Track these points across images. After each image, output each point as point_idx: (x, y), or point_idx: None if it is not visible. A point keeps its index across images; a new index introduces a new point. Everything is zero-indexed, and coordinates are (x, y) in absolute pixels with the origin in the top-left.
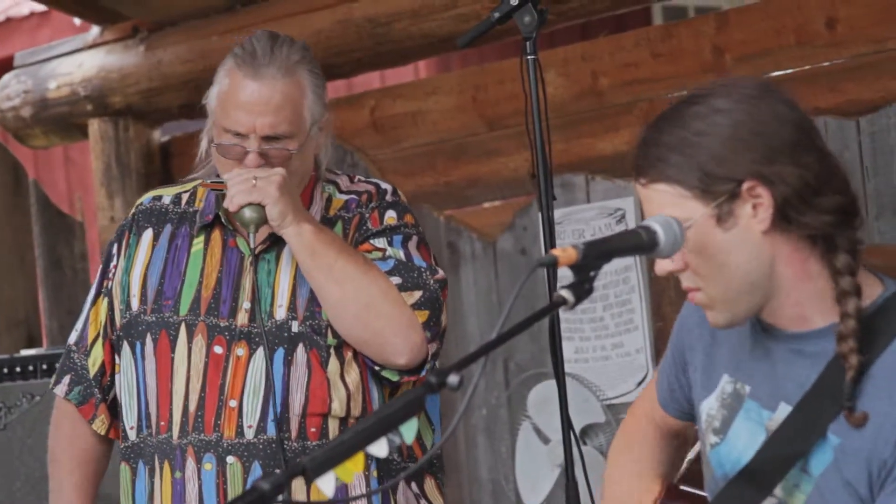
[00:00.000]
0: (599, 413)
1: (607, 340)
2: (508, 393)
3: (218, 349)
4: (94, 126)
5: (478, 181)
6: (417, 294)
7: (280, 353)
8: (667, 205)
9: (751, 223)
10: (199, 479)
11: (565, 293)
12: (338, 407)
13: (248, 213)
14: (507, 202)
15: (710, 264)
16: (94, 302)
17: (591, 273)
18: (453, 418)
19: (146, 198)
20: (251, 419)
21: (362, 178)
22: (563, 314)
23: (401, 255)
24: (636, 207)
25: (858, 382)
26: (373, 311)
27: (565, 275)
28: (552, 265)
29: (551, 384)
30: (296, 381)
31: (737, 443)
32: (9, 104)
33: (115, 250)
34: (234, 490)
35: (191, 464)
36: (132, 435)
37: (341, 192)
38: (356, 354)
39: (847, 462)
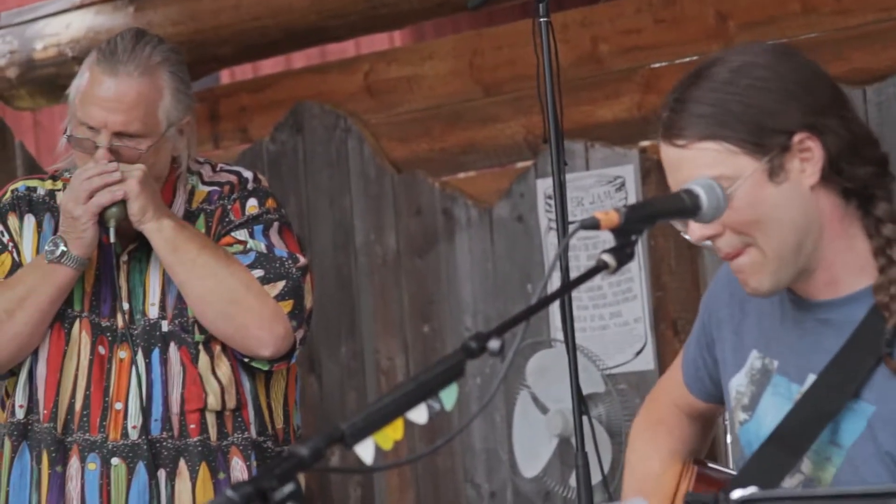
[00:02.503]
0: (599, 383)
1: (605, 310)
2: (505, 362)
3: (101, 350)
4: None
5: (474, 147)
6: (280, 285)
7: (156, 353)
8: (712, 164)
9: (800, 178)
10: (83, 478)
11: (607, 257)
12: (213, 401)
13: (109, 208)
14: (503, 169)
15: (762, 222)
16: None
17: (633, 237)
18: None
19: (20, 185)
20: (135, 420)
21: (225, 167)
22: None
23: (262, 246)
24: (636, 175)
25: None
26: (236, 305)
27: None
28: (594, 228)
29: (550, 353)
30: (172, 379)
31: (765, 419)
32: None
33: (0, 227)
34: (117, 492)
35: (75, 462)
36: (20, 413)
37: (204, 183)
38: (225, 348)
39: (883, 430)
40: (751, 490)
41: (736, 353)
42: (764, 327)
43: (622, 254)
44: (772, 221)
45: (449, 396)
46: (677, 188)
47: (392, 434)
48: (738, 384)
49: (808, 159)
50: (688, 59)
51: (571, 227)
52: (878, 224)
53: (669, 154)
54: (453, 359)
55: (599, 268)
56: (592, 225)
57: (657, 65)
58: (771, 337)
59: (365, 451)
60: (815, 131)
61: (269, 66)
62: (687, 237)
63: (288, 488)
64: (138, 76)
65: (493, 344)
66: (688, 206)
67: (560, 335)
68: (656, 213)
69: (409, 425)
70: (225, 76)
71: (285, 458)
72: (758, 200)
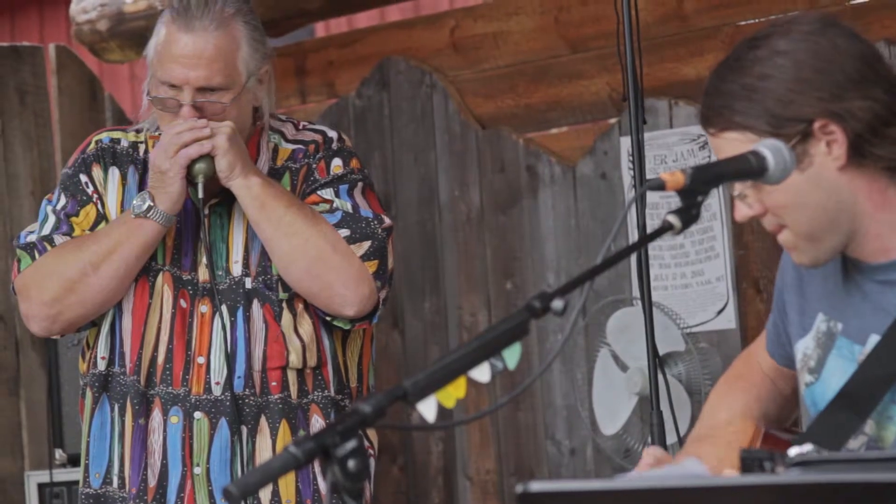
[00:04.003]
0: (679, 341)
1: (687, 268)
2: (586, 320)
3: (183, 303)
4: None
5: (558, 104)
6: (366, 245)
7: (240, 311)
8: (738, 152)
9: (826, 161)
10: (165, 430)
11: (672, 218)
12: (295, 359)
13: (197, 164)
14: (587, 126)
15: (790, 206)
16: (77, 211)
17: (699, 198)
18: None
19: (104, 136)
20: (218, 376)
21: (308, 125)
22: None
23: (348, 206)
24: None
25: None
26: (322, 263)
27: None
28: (660, 188)
29: (630, 311)
30: (254, 336)
31: (830, 381)
32: (85, 17)
33: (85, 178)
34: (199, 445)
35: (157, 415)
36: (101, 365)
37: (287, 141)
38: (307, 306)
39: None
40: (807, 447)
41: (803, 316)
42: (829, 290)
43: (688, 215)
44: (799, 206)
45: (512, 355)
46: None
47: (454, 392)
48: (804, 347)
49: (833, 142)
50: (773, 17)
51: (637, 190)
52: None
53: (709, 140)
54: (517, 318)
55: (664, 229)
56: (658, 186)
57: (742, 22)
58: (835, 299)
59: (427, 408)
60: (834, 117)
61: (363, 20)
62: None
63: (350, 444)
64: (214, 29)
65: (557, 304)
66: (754, 168)
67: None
68: (722, 175)
69: (492, 383)
70: (319, 29)
71: (348, 414)
72: (783, 187)
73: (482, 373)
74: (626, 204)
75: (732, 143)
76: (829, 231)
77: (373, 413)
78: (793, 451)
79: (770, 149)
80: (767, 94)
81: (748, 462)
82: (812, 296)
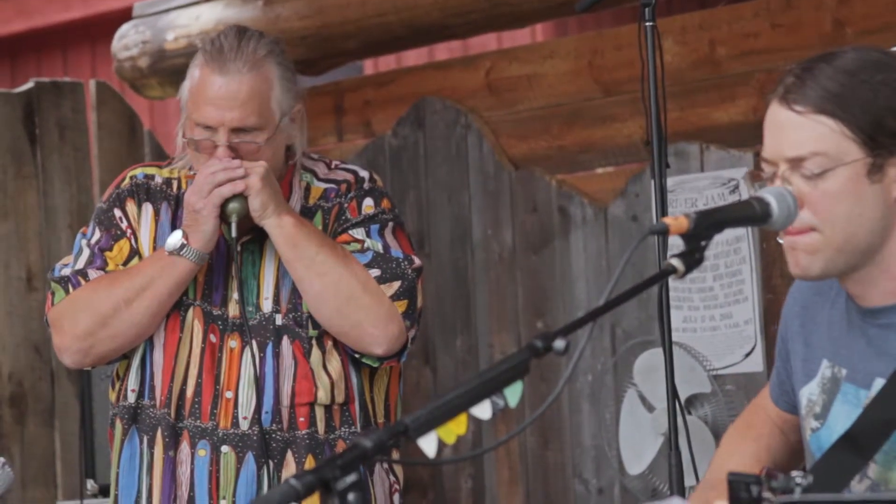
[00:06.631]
0: (706, 383)
1: (716, 311)
2: (615, 360)
3: (212, 338)
4: None
5: (591, 146)
6: (396, 285)
7: (269, 347)
8: (821, 138)
9: (891, 186)
10: (193, 463)
11: (675, 262)
12: (323, 395)
13: (230, 203)
14: (620, 168)
15: (842, 210)
16: (111, 246)
17: (703, 242)
18: (557, 383)
19: (139, 172)
20: (246, 411)
21: (340, 165)
22: (673, 283)
23: (379, 246)
24: (749, 178)
25: None
26: (352, 303)
27: (677, 243)
28: (663, 233)
29: (658, 352)
30: (283, 373)
31: (836, 426)
32: (126, 54)
33: (119, 213)
34: (226, 479)
35: (185, 447)
36: (131, 397)
37: (319, 179)
38: (336, 343)
39: None
40: (795, 473)
41: (806, 364)
42: (833, 336)
43: (691, 259)
44: (850, 214)
45: (513, 393)
46: (775, 149)
47: (455, 429)
48: (809, 393)
49: None
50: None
51: (639, 233)
52: None
53: (780, 115)
54: (519, 357)
55: (667, 272)
56: (661, 230)
57: (774, 69)
58: (840, 345)
59: (428, 444)
60: None
61: (412, 58)
62: (782, 241)
63: (350, 478)
64: (248, 71)
65: (559, 343)
66: (758, 214)
67: (672, 336)
68: (726, 220)
69: (519, 419)
70: (368, 66)
71: (349, 448)
72: (848, 190)
73: (483, 410)
74: (630, 248)
75: (820, 127)
76: (857, 249)
77: (373, 448)
78: (794, 473)
79: (775, 195)
80: (881, 99)
81: (735, 485)
82: (816, 343)
